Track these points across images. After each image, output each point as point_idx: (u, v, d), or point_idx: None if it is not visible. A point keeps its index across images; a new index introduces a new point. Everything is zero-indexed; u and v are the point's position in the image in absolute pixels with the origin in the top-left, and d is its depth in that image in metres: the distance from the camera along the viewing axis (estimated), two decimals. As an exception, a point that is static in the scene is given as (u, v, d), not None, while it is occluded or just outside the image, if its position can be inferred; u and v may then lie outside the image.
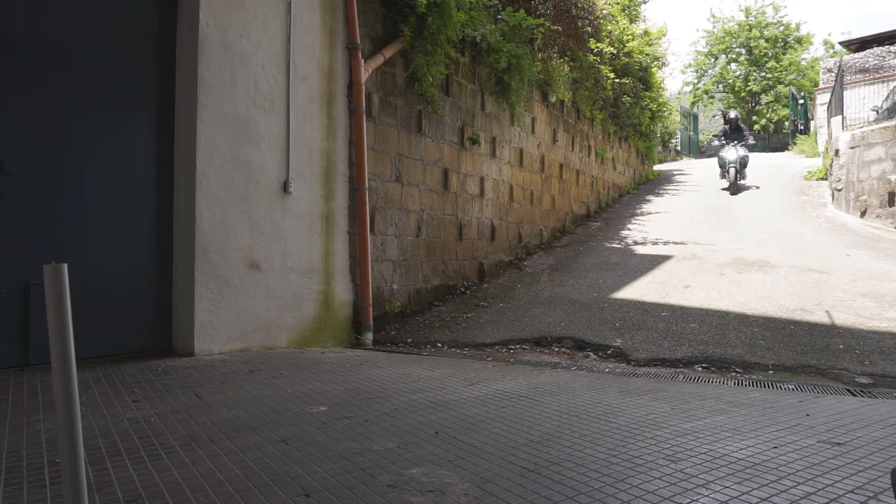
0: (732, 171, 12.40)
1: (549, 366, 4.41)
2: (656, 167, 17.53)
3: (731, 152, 12.54)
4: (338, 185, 4.99)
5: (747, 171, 13.17)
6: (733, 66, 28.70)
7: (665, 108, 16.20)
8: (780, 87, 26.61)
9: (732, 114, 13.36)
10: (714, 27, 29.66)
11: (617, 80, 11.78)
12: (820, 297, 5.63)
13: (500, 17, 7.60)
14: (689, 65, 30.58)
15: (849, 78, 14.10)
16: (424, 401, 3.12)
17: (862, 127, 10.90)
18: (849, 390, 3.62)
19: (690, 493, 1.91)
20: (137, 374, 3.44)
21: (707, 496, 1.89)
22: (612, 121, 12.51)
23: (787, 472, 2.10)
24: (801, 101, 23.00)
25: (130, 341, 3.89)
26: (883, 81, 13.19)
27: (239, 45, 4.19)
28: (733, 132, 13.02)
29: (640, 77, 13.36)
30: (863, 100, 12.28)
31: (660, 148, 20.17)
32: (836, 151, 11.09)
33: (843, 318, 5.04)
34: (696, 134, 26.83)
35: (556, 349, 4.96)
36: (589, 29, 10.43)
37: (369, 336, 5.11)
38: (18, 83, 3.44)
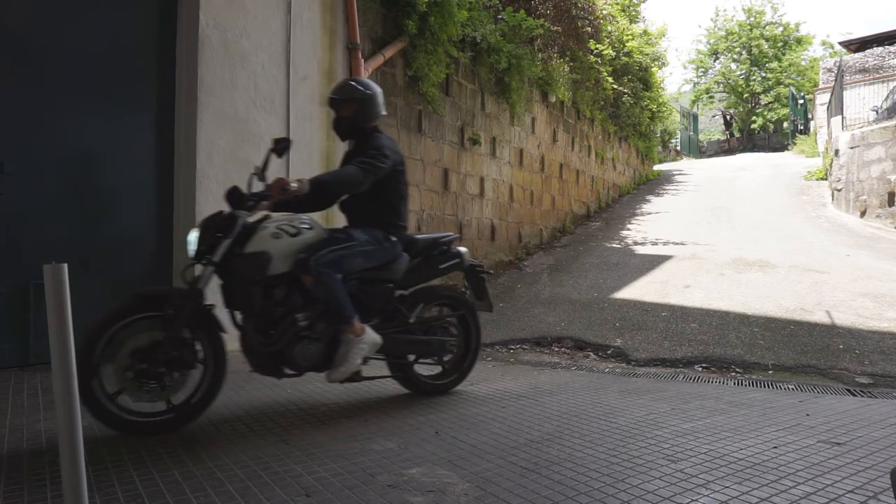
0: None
1: (549, 366, 4.41)
2: (656, 167, 17.53)
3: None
4: (338, 185, 4.98)
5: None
6: (734, 65, 28.70)
7: (665, 109, 16.20)
8: (780, 88, 26.59)
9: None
10: (715, 25, 29.68)
11: (615, 87, 11.73)
12: (820, 297, 5.62)
13: (500, 17, 7.60)
14: (692, 61, 30.52)
15: (849, 78, 14.11)
16: (424, 401, 3.11)
17: (862, 127, 10.90)
18: (849, 390, 3.62)
19: (690, 493, 1.91)
20: (137, 374, 3.44)
21: (707, 496, 1.89)
22: (612, 121, 12.51)
23: (787, 472, 2.10)
24: (801, 102, 23.00)
25: (130, 341, 3.88)
26: (883, 81, 13.18)
27: (239, 46, 4.19)
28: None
29: (639, 77, 13.36)
30: (863, 100, 12.27)
31: (660, 148, 20.17)
32: (836, 151, 11.09)
33: (843, 318, 5.03)
34: (696, 134, 26.85)
35: (556, 349, 4.96)
36: (589, 29, 10.43)
37: (369, 336, 5.05)
38: (19, 83, 3.43)
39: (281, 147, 2.81)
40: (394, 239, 2.99)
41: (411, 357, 3.18)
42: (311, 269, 2.60)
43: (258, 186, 2.71)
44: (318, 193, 2.77)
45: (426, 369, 3.30)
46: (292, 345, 2.65)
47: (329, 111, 3.14)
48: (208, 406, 2.58)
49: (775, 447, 2.38)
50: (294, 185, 2.59)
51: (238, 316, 2.68)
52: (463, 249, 3.36)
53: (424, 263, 3.18)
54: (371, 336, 2.78)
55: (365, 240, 2.86)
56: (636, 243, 8.87)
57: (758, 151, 23.13)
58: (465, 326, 3.34)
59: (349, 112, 2.96)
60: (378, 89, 3.02)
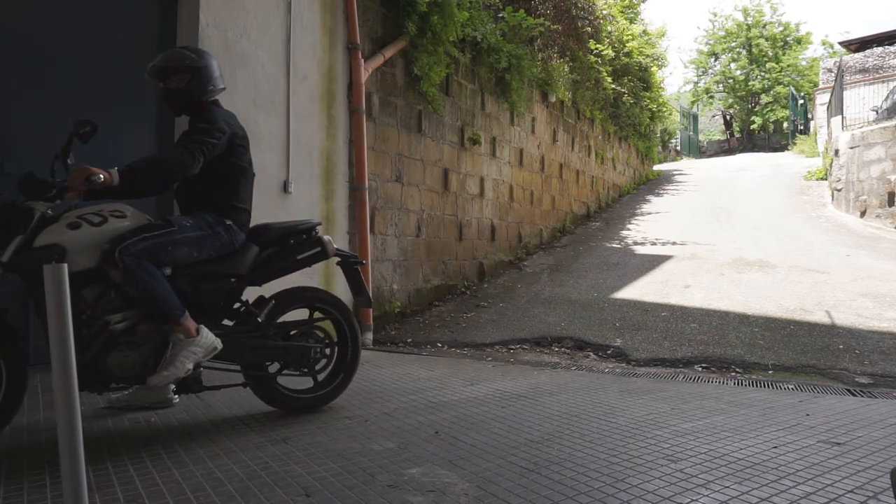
0: None
1: (549, 366, 4.41)
2: (656, 167, 17.54)
3: None
4: (338, 185, 4.99)
5: None
6: (733, 65, 28.72)
7: (665, 109, 16.21)
8: (779, 88, 26.60)
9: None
10: (713, 25, 29.71)
11: (615, 87, 11.72)
12: (820, 297, 5.62)
13: (500, 16, 7.60)
14: (692, 61, 30.56)
15: (849, 78, 14.10)
16: (424, 401, 3.12)
17: (862, 127, 10.90)
18: (849, 390, 3.62)
19: (690, 493, 1.91)
20: (137, 374, 3.43)
21: (707, 496, 1.89)
22: (612, 121, 12.51)
23: (787, 472, 2.10)
24: (801, 102, 23.01)
25: (130, 341, 3.88)
26: (883, 81, 13.18)
27: (239, 46, 4.18)
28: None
29: (639, 77, 13.37)
30: (863, 100, 12.27)
31: (660, 148, 20.18)
32: (836, 151, 11.09)
33: (843, 318, 5.03)
34: (696, 134, 26.86)
35: (556, 349, 4.96)
36: (589, 29, 10.44)
37: (369, 336, 5.10)
38: (18, 83, 3.43)
39: (85, 132, 2.39)
40: (229, 222, 2.56)
41: (270, 366, 2.72)
42: (117, 261, 2.19)
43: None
44: (135, 184, 2.35)
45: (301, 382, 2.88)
46: (106, 352, 2.25)
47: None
48: None
49: (775, 447, 2.38)
50: (101, 175, 2.19)
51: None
52: (326, 237, 2.86)
53: (279, 254, 2.73)
54: (207, 338, 2.38)
55: (190, 225, 2.44)
56: (636, 243, 8.87)
57: (758, 151, 23.13)
58: (339, 331, 2.93)
59: (180, 83, 2.59)
60: (214, 60, 2.67)
